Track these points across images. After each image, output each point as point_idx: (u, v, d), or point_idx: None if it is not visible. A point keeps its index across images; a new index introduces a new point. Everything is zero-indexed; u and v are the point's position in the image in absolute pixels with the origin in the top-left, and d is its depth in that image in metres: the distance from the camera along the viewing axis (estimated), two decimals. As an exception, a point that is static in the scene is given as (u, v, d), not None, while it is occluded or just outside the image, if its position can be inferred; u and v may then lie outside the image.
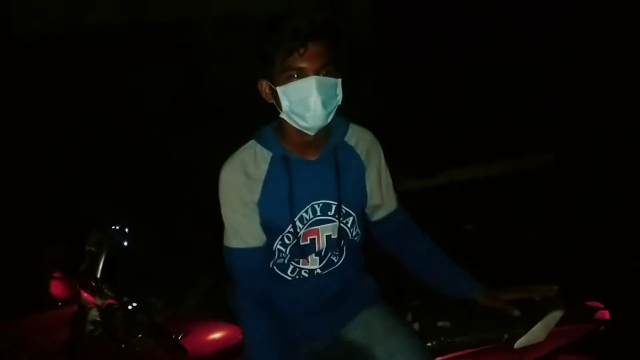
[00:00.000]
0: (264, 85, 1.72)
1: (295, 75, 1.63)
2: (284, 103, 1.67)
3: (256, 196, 1.74)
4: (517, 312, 1.85)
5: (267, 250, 1.80)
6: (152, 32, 7.45)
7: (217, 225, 1.81)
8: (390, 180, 1.94)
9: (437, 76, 6.97)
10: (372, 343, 1.78)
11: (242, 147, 1.79)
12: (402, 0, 7.48)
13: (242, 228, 1.76)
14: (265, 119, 1.83)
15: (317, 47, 1.62)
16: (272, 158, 1.76)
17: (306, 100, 1.63)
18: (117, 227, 2.06)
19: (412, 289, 2.08)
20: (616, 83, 6.67)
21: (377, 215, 1.95)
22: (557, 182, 5.66)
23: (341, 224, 1.81)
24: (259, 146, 1.77)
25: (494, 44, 7.29)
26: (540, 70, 7.11)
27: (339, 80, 1.68)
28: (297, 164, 1.76)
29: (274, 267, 1.84)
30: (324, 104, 1.64)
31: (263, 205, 1.74)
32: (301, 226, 1.78)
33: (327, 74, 1.64)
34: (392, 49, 7.07)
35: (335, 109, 1.71)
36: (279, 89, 1.66)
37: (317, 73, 1.62)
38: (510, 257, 4.17)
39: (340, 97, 1.70)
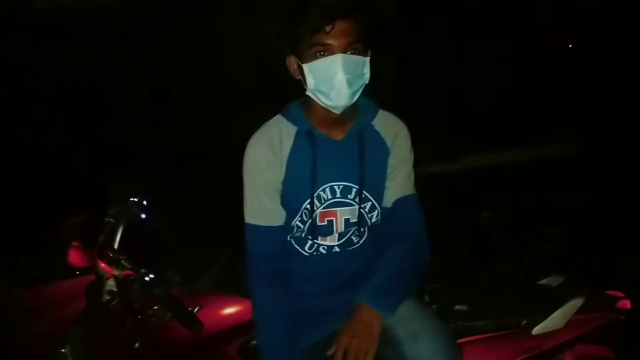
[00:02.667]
0: (292, 62, 1.70)
1: (322, 53, 1.61)
2: (310, 80, 1.65)
3: (280, 175, 1.74)
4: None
5: (286, 225, 1.79)
6: (173, 7, 7.46)
7: (237, 200, 1.81)
8: (411, 173, 1.86)
9: (461, 60, 6.89)
10: (394, 325, 1.76)
11: (268, 123, 1.78)
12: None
13: (261, 206, 1.76)
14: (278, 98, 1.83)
15: (344, 24, 1.59)
16: (297, 133, 1.75)
17: (331, 79, 1.62)
18: (136, 200, 2.06)
19: (429, 271, 2.06)
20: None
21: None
22: (579, 172, 5.59)
23: (360, 209, 1.80)
24: (284, 121, 1.77)
25: (519, 28, 7.19)
26: (566, 57, 7.02)
27: (367, 59, 1.66)
28: (321, 141, 1.75)
29: (292, 240, 1.83)
30: (349, 83, 1.62)
31: (286, 182, 1.74)
32: (318, 204, 1.77)
33: (355, 52, 1.62)
34: (415, 30, 6.99)
35: (362, 88, 1.69)
36: (305, 66, 1.64)
37: (344, 51, 1.61)
38: (525, 248, 4.14)
39: (367, 76, 1.68)
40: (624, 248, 4.02)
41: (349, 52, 1.61)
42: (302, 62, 1.65)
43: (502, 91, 6.81)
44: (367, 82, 1.69)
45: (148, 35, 7.37)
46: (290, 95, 1.82)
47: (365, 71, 1.67)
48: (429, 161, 5.52)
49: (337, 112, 1.69)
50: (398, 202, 1.84)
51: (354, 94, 1.66)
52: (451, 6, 7.23)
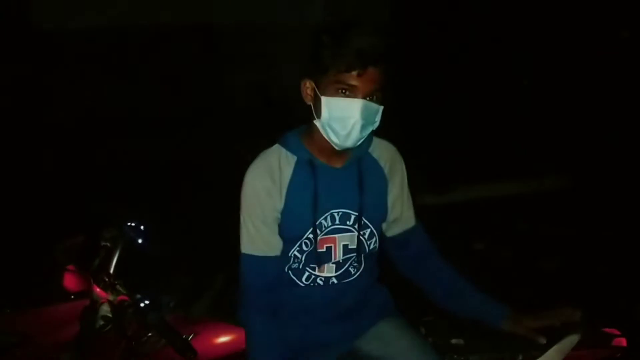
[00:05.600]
0: (307, 85, 1.71)
1: (345, 92, 1.63)
2: (324, 113, 1.66)
3: (280, 204, 1.74)
4: (542, 340, 1.81)
5: (282, 256, 1.79)
6: (168, 34, 7.52)
7: (233, 227, 1.81)
8: (410, 196, 1.92)
9: (458, 92, 6.95)
10: (389, 357, 1.76)
11: (267, 152, 1.79)
12: (423, 12, 7.49)
13: (259, 236, 1.75)
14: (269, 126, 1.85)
15: (374, 72, 1.62)
16: (297, 162, 1.75)
17: (346, 120, 1.63)
18: (133, 224, 2.05)
19: (424, 303, 2.05)
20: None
21: (393, 231, 1.93)
22: (574, 205, 5.60)
23: (359, 236, 1.80)
24: (283, 150, 1.77)
25: (517, 60, 7.27)
26: (566, 90, 7.08)
27: (381, 108, 1.68)
28: (322, 170, 1.76)
29: (289, 272, 1.82)
30: (362, 128, 1.65)
31: (286, 211, 1.74)
32: (319, 233, 1.77)
33: (373, 99, 1.65)
34: (411, 61, 7.05)
35: (369, 134, 1.72)
36: (323, 99, 1.65)
37: (365, 96, 1.63)
38: (519, 281, 4.13)
39: (377, 125, 1.70)
40: (620, 285, 4.03)
41: (368, 98, 1.63)
42: (322, 94, 1.65)
43: (496, 124, 6.86)
44: (375, 128, 1.71)
45: (149, 57, 7.42)
46: (290, 120, 1.84)
47: (377, 119, 1.69)
48: (423, 192, 5.52)
49: (338, 149, 1.71)
50: (416, 228, 1.92)
51: (361, 139, 1.69)
52: (449, 36, 7.32)
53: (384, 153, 1.86)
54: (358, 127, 1.63)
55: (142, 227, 2.05)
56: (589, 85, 7.02)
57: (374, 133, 1.82)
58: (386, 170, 1.85)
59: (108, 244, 2.01)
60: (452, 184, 6.14)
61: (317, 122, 1.70)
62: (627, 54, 6.93)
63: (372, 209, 1.81)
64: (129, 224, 2.05)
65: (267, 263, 1.76)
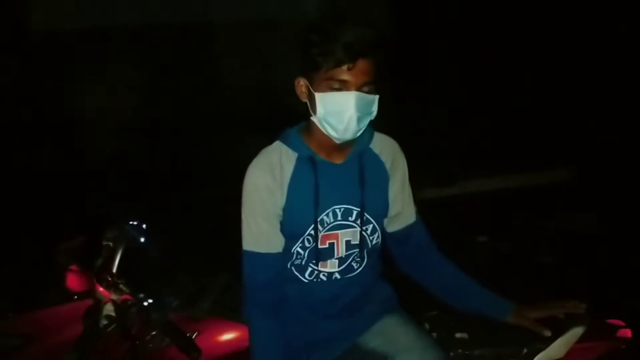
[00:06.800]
0: (301, 83, 1.72)
1: (337, 87, 1.63)
2: (319, 110, 1.66)
3: (281, 201, 1.73)
4: (547, 333, 1.81)
5: (285, 252, 1.79)
6: (167, 34, 7.51)
7: (236, 224, 1.80)
8: (410, 191, 1.92)
9: (458, 85, 6.94)
10: (394, 352, 1.76)
11: (268, 149, 1.79)
12: (422, 6, 7.48)
13: (260, 233, 1.75)
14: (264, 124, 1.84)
15: (364, 63, 1.62)
16: (298, 159, 1.75)
17: (342, 114, 1.64)
18: (135, 223, 2.04)
19: (427, 298, 2.05)
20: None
21: (394, 227, 1.92)
22: (576, 198, 5.61)
23: (362, 231, 1.80)
24: (284, 147, 1.77)
25: (517, 55, 7.26)
26: (566, 83, 7.07)
27: (377, 97, 1.68)
28: (323, 166, 1.76)
29: (292, 268, 1.82)
30: (359, 120, 1.65)
31: (287, 208, 1.74)
32: (321, 229, 1.77)
33: (368, 91, 1.65)
34: (410, 55, 7.04)
35: (367, 124, 1.72)
36: (317, 95, 1.65)
37: (358, 89, 1.63)
38: (521, 274, 4.13)
39: (374, 114, 1.70)
40: (622, 276, 4.02)
41: (362, 91, 1.63)
42: (315, 90, 1.66)
43: (497, 118, 6.85)
44: (373, 118, 1.71)
45: (143, 58, 7.41)
46: (288, 120, 1.83)
47: (373, 109, 1.69)
48: (424, 186, 5.52)
49: (338, 142, 1.71)
50: (417, 224, 1.92)
51: (360, 130, 1.69)
52: (448, 29, 7.30)
53: (385, 148, 1.86)
54: (354, 119, 1.64)
55: (144, 226, 2.05)
56: (591, 80, 7.02)
57: (375, 127, 1.82)
58: (387, 165, 1.84)
59: (110, 244, 2.00)
60: (452, 178, 6.14)
61: (314, 118, 1.71)
62: (628, 48, 6.93)
63: (373, 204, 1.80)
64: (130, 222, 2.04)
65: (269, 260, 1.76)
